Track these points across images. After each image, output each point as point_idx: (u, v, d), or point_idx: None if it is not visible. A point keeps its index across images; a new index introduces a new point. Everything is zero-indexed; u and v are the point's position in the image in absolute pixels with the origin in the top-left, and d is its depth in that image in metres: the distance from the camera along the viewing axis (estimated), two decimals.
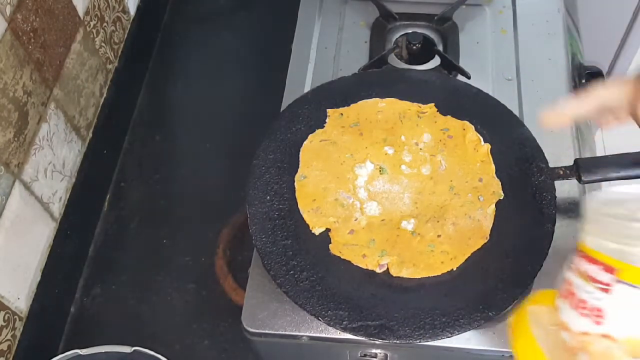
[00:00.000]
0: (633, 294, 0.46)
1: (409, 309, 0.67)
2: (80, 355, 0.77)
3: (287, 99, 0.85)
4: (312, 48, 0.94)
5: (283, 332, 0.71)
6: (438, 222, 0.72)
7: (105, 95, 1.02)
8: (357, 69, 0.88)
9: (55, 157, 0.88)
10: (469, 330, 0.66)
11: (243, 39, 1.18)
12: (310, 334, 0.71)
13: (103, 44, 1.00)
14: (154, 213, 0.99)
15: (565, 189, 0.78)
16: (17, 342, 0.80)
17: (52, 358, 0.76)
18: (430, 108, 0.81)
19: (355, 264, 0.71)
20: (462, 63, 0.89)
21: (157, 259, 0.95)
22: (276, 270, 0.70)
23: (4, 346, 0.78)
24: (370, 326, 0.66)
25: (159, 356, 0.76)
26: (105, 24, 1.00)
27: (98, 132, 0.99)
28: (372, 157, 0.77)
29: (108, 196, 1.01)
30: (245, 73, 1.13)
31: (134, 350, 0.76)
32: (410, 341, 0.66)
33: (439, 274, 0.70)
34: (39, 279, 0.85)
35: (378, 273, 0.70)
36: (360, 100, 0.82)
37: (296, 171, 0.77)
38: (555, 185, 0.74)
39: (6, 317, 0.78)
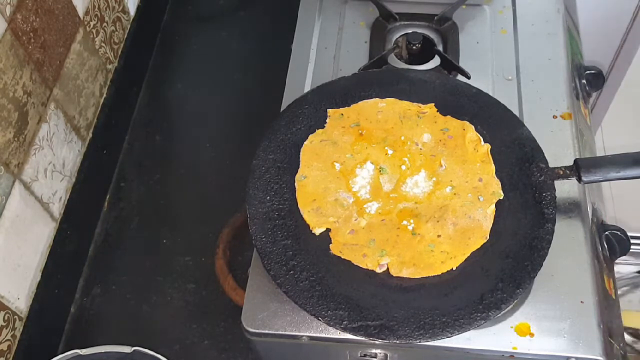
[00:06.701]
0: None
1: (409, 309, 0.67)
2: (80, 355, 0.77)
3: (287, 99, 0.85)
4: (312, 48, 0.94)
5: (283, 332, 0.71)
6: (438, 222, 0.72)
7: (105, 95, 1.02)
8: (357, 69, 0.88)
9: (55, 157, 0.88)
10: (469, 330, 0.66)
11: (243, 39, 1.18)
12: (310, 334, 0.71)
13: (103, 44, 1.00)
14: (154, 213, 0.99)
15: (565, 189, 0.78)
16: (17, 342, 0.80)
17: (52, 358, 0.76)
18: (430, 108, 0.81)
19: (355, 264, 0.71)
20: (462, 63, 0.89)
21: (157, 259, 0.95)
22: (276, 270, 0.70)
23: (4, 346, 0.78)
24: (370, 326, 0.66)
25: (159, 356, 0.76)
26: (105, 24, 1.00)
27: (98, 132, 0.99)
28: (372, 157, 0.77)
29: (108, 196, 1.01)
30: (245, 73, 1.13)
31: (134, 350, 0.76)
32: (410, 341, 0.66)
33: (439, 273, 0.70)
34: (39, 279, 0.85)
35: (378, 273, 0.70)
36: (360, 100, 0.82)
37: (296, 171, 0.77)
38: (555, 185, 0.74)
39: (6, 317, 0.78)
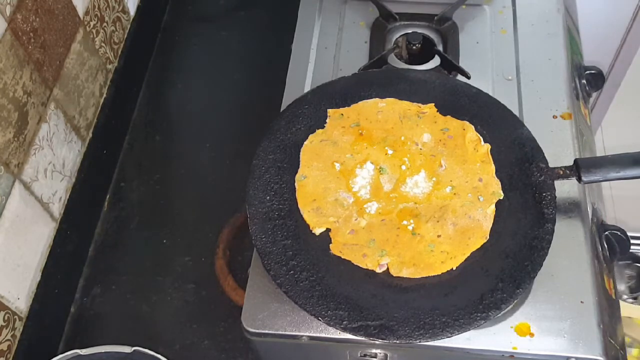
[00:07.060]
0: None
1: (409, 309, 0.67)
2: (80, 355, 0.77)
3: (287, 99, 0.85)
4: (312, 48, 0.94)
5: (283, 332, 0.71)
6: (438, 222, 0.72)
7: (105, 95, 1.02)
8: (357, 69, 0.88)
9: (55, 157, 0.88)
10: (469, 330, 0.66)
11: (243, 39, 1.18)
12: (310, 334, 0.71)
13: (103, 44, 1.00)
14: (154, 213, 0.99)
15: (565, 189, 0.78)
16: (17, 342, 0.80)
17: (52, 358, 0.76)
18: (430, 108, 0.81)
19: (355, 264, 0.71)
20: (462, 63, 0.89)
21: (157, 258, 0.95)
22: (276, 270, 0.70)
23: (4, 346, 0.78)
24: (370, 326, 0.66)
25: (159, 356, 0.76)
26: (105, 24, 1.00)
27: (98, 132, 0.99)
28: (372, 158, 0.77)
29: (108, 196, 1.01)
30: (245, 73, 1.13)
31: (134, 350, 0.76)
32: (410, 341, 0.66)
33: (439, 273, 0.70)
34: (39, 279, 0.85)
35: (378, 273, 0.70)
36: (360, 100, 0.82)
37: (296, 171, 0.77)
38: (555, 185, 0.74)
39: (6, 317, 0.78)
